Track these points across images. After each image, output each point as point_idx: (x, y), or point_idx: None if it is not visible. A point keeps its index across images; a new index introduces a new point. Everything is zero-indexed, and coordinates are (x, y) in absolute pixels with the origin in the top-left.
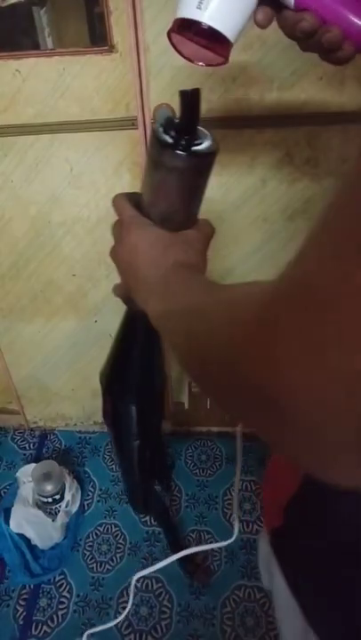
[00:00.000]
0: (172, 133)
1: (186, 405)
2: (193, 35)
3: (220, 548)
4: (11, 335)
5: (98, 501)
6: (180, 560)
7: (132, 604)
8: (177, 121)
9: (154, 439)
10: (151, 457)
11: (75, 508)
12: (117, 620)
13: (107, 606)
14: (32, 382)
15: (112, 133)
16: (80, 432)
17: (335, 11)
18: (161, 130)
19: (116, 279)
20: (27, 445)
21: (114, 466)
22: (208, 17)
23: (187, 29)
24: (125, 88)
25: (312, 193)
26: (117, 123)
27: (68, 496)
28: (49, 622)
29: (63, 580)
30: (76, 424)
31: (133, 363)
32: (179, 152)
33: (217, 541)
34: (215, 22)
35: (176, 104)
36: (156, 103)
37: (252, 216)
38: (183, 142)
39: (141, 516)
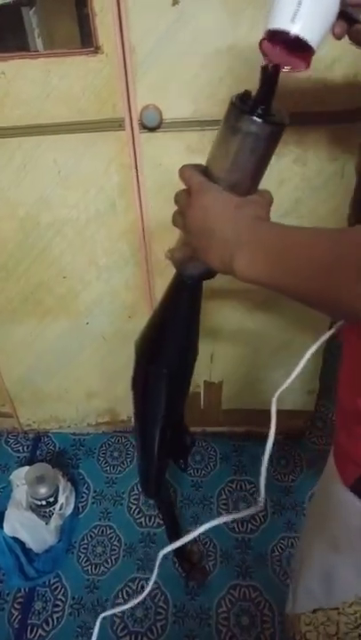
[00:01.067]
0: (250, 103)
1: None
2: (280, 44)
3: (214, 548)
4: (2, 337)
5: (92, 503)
6: (176, 560)
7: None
8: (253, 94)
9: (177, 416)
10: (172, 436)
11: (69, 511)
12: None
13: (102, 609)
14: (24, 384)
15: (99, 134)
16: (74, 434)
17: None
18: (238, 100)
19: (108, 280)
20: (20, 448)
21: (108, 467)
22: (300, 29)
23: (276, 39)
24: (112, 89)
25: (301, 193)
26: (104, 124)
27: (61, 498)
28: (44, 625)
29: (58, 583)
30: (69, 426)
31: (173, 329)
32: (256, 118)
33: (212, 541)
34: (306, 34)
35: (163, 104)
36: (142, 104)
37: None
38: (259, 111)
39: (150, 499)
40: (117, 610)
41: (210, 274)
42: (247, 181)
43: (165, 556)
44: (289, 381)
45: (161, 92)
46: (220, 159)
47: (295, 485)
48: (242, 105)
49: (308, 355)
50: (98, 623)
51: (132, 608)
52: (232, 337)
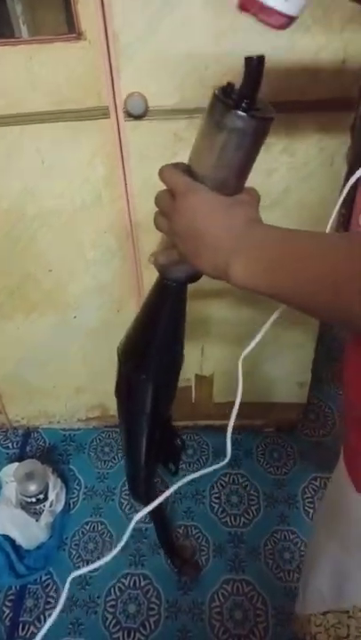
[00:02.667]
0: (234, 97)
1: None
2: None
3: (207, 543)
4: None
5: (83, 499)
6: (167, 555)
7: (121, 601)
8: (238, 87)
9: (165, 420)
10: (159, 440)
11: (59, 507)
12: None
13: (94, 604)
14: (13, 380)
15: (84, 123)
16: (64, 429)
17: None
18: (222, 94)
19: (96, 273)
20: (10, 444)
21: (99, 463)
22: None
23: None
24: (96, 77)
25: (290, 183)
26: (89, 112)
27: (52, 495)
28: (36, 623)
29: (49, 580)
30: (59, 421)
31: (157, 336)
32: (241, 113)
33: (204, 536)
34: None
35: (149, 92)
36: (128, 91)
37: None
38: (244, 105)
39: (139, 503)
40: (89, 568)
41: (195, 277)
42: (234, 179)
43: (157, 551)
44: (254, 342)
45: (146, 79)
46: (205, 156)
47: (288, 478)
48: (226, 99)
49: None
50: (67, 583)
51: (123, 603)
52: (222, 329)
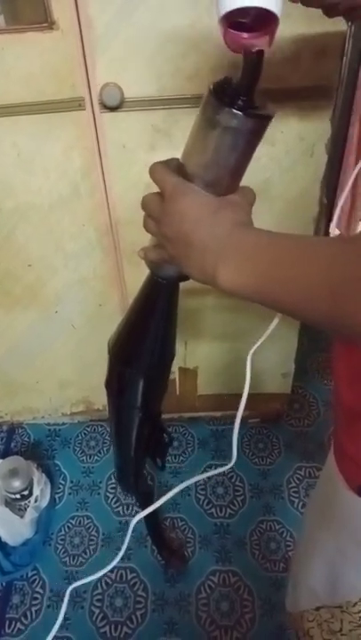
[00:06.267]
0: (229, 94)
1: None
2: (239, 26)
3: (193, 534)
4: None
5: (69, 494)
6: (156, 547)
7: (108, 595)
8: (234, 82)
9: (155, 415)
10: (149, 434)
11: (44, 503)
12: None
13: (81, 599)
14: None
15: (60, 115)
16: (48, 424)
17: None
18: (217, 89)
19: (76, 267)
20: None
21: (84, 457)
22: (266, 1)
23: (233, 22)
24: (70, 67)
25: (271, 173)
26: (64, 104)
27: (36, 491)
28: (22, 619)
29: (36, 576)
30: (43, 416)
31: (149, 331)
32: (236, 111)
33: (190, 528)
34: (270, 4)
35: (125, 82)
36: (103, 82)
37: None
38: (240, 103)
39: (128, 494)
40: (87, 580)
41: (186, 276)
42: (227, 179)
43: (144, 544)
44: (263, 339)
45: (122, 69)
46: (197, 154)
47: (273, 469)
48: (221, 95)
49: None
50: (67, 594)
51: (110, 597)
52: (205, 322)
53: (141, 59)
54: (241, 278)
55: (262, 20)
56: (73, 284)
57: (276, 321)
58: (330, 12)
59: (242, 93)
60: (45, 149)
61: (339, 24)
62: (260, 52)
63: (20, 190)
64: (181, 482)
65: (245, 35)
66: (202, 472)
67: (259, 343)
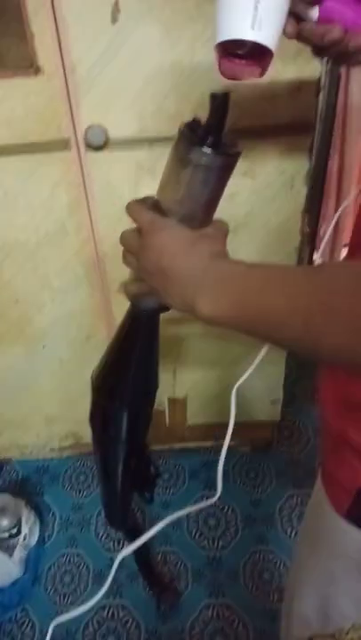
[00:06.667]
0: (200, 133)
1: None
2: (235, 56)
3: (185, 568)
4: None
5: (58, 531)
6: (147, 583)
7: (100, 634)
8: (203, 123)
9: (140, 448)
10: (136, 467)
11: (33, 541)
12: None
13: None
14: None
15: (46, 155)
16: (37, 460)
17: (356, 22)
18: (187, 129)
19: (63, 302)
20: None
21: (74, 493)
22: (262, 37)
23: (229, 51)
24: (55, 109)
25: (252, 206)
26: (50, 145)
27: (25, 529)
28: None
29: (25, 618)
30: (32, 452)
31: (131, 363)
32: (206, 149)
33: (182, 561)
34: (266, 39)
35: (109, 123)
36: (88, 123)
37: None
38: (210, 141)
39: (116, 531)
40: (70, 616)
41: (167, 307)
42: (200, 213)
43: (135, 580)
44: (248, 372)
45: (105, 110)
46: (171, 191)
47: (264, 497)
48: (191, 135)
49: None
50: (50, 631)
51: (102, 637)
52: (193, 351)
53: (124, 100)
54: (219, 307)
55: (257, 53)
56: (60, 318)
57: (263, 352)
58: (321, 52)
59: (211, 132)
60: (32, 188)
61: (312, 62)
62: (226, 94)
63: (6, 228)
64: (172, 514)
65: (238, 62)
66: (193, 503)
67: (245, 376)
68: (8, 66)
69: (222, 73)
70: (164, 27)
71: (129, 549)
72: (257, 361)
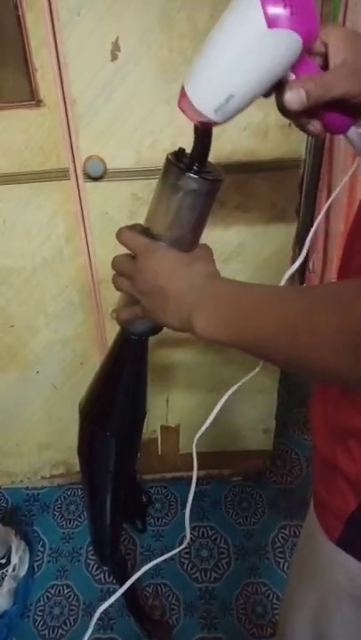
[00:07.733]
0: (185, 161)
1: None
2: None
3: (177, 601)
4: None
5: (48, 562)
6: (136, 619)
7: None
8: (188, 153)
9: (129, 477)
10: (125, 497)
11: (23, 572)
12: None
13: None
14: None
15: (44, 184)
16: (27, 488)
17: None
18: (174, 159)
19: (58, 328)
20: None
21: (64, 522)
22: (221, 119)
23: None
24: (55, 140)
25: (245, 237)
26: (49, 174)
27: (14, 559)
28: None
29: None
30: (22, 480)
31: (119, 390)
32: (194, 176)
33: (174, 594)
34: (224, 120)
35: (107, 155)
36: (86, 154)
37: None
38: (195, 168)
39: (105, 567)
40: None
41: (156, 329)
42: (190, 236)
43: (126, 613)
44: (207, 423)
45: (104, 142)
46: (161, 216)
47: (257, 528)
48: (178, 163)
49: (225, 396)
50: None
51: None
52: (186, 379)
53: (122, 133)
54: (215, 324)
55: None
56: (54, 344)
57: (218, 406)
58: (301, 128)
59: (196, 161)
60: (30, 216)
61: None
62: (208, 124)
63: (4, 255)
64: (164, 546)
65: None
66: (184, 535)
67: (202, 430)
68: (10, 98)
69: (180, 108)
70: (160, 65)
71: (108, 602)
72: (235, 387)
